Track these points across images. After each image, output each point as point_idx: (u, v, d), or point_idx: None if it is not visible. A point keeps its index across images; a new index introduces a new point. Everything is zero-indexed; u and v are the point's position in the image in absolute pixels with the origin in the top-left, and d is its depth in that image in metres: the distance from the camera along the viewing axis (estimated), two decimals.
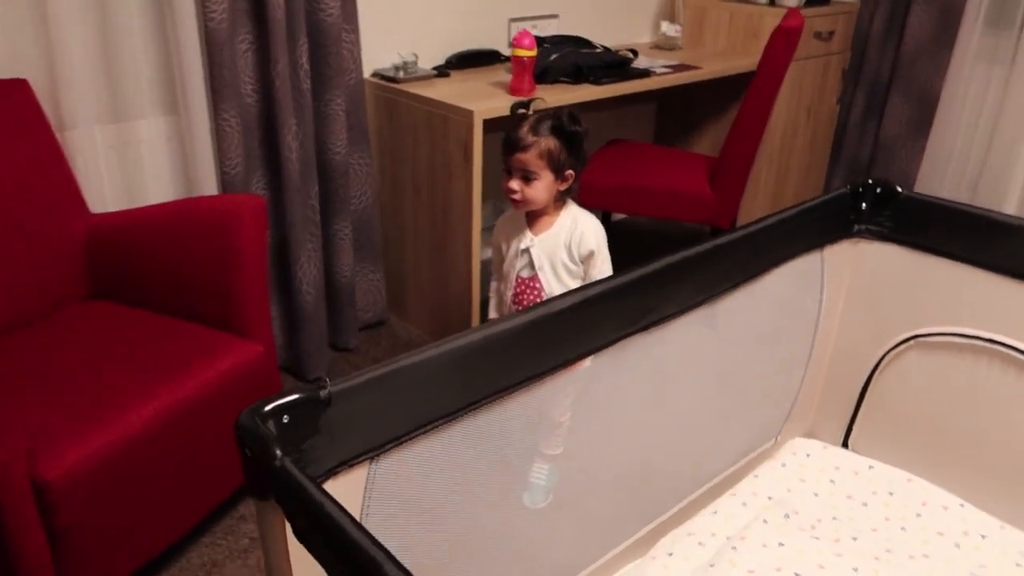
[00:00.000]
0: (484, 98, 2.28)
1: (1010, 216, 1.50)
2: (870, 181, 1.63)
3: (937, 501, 1.52)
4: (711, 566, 1.32)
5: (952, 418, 1.60)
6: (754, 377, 1.60)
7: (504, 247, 1.70)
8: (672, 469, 1.49)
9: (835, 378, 1.76)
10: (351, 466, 0.93)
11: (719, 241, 1.35)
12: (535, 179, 1.56)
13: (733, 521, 1.49)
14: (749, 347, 1.54)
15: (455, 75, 2.56)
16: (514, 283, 1.67)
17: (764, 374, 1.62)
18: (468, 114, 2.18)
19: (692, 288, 1.33)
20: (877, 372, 1.70)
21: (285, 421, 0.85)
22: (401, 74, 2.44)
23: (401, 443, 0.97)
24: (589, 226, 1.62)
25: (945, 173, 3.41)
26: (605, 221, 2.73)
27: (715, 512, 1.52)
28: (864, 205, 1.64)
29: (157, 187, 2.04)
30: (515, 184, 1.57)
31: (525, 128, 1.54)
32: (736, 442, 1.65)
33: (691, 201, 2.57)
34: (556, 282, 1.65)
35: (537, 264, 1.64)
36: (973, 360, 1.56)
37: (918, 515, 1.50)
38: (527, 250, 1.64)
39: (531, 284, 1.66)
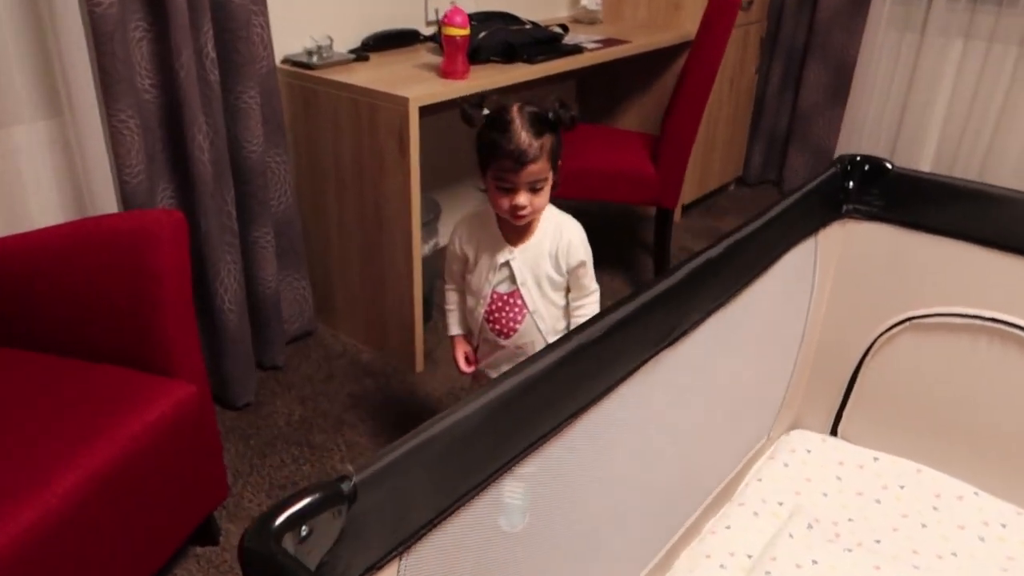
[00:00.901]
0: (415, 83, 2.07)
1: (1004, 188, 1.44)
2: (858, 158, 1.53)
3: (950, 492, 1.47)
4: None
5: (951, 401, 1.54)
6: (751, 376, 1.49)
7: (471, 256, 1.50)
8: (678, 486, 1.36)
9: (823, 365, 1.68)
10: (380, 568, 0.73)
11: (732, 240, 1.21)
12: (543, 187, 1.36)
13: (749, 535, 1.38)
14: (749, 347, 1.43)
15: (375, 58, 2.32)
16: (489, 299, 1.48)
17: (760, 371, 1.52)
18: (402, 102, 1.96)
19: (711, 294, 1.19)
20: (868, 357, 1.63)
21: (304, 534, 0.64)
22: (315, 59, 2.19)
23: (433, 526, 0.78)
24: (575, 233, 1.45)
25: (862, 139, 3.45)
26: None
27: (728, 527, 1.40)
28: (852, 184, 1.55)
29: (42, 205, 1.72)
30: (524, 199, 1.35)
31: (523, 135, 1.30)
32: (735, 445, 1.54)
33: (636, 182, 2.44)
34: (540, 297, 1.47)
35: (519, 279, 1.45)
36: (971, 340, 1.50)
37: (935, 508, 1.44)
38: (507, 263, 1.45)
39: (511, 301, 1.47)
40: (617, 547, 1.23)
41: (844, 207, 1.56)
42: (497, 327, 1.49)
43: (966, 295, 1.49)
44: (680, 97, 2.37)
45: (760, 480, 1.52)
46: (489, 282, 1.46)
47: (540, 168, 1.33)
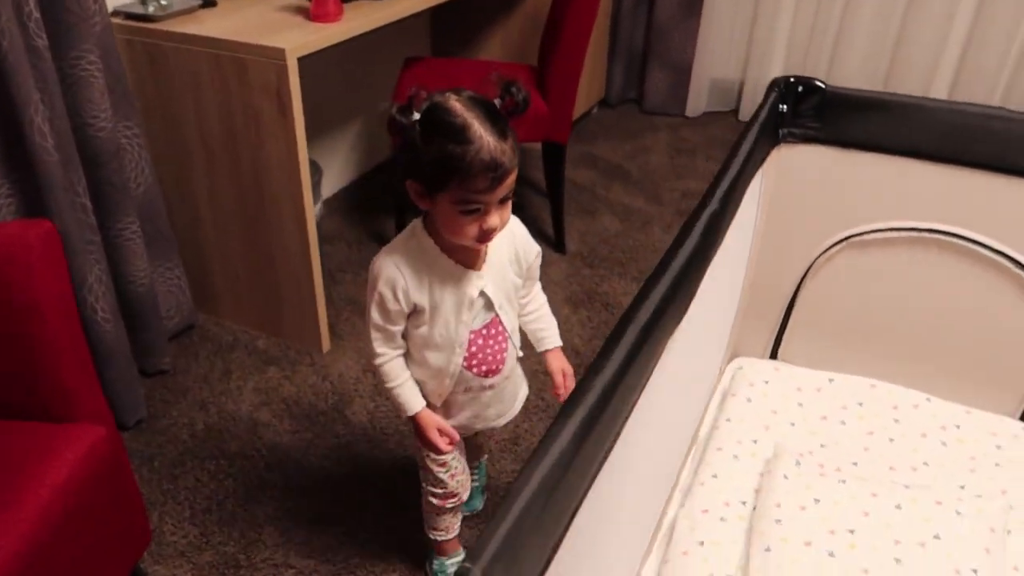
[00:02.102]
0: (283, 30, 1.80)
1: (934, 100, 1.46)
2: (792, 79, 1.49)
3: (905, 402, 1.52)
4: (767, 550, 1.18)
5: (891, 314, 1.59)
6: (713, 317, 1.45)
7: (426, 305, 1.15)
8: (664, 440, 1.31)
9: (762, 292, 1.68)
10: None
11: (724, 188, 1.13)
12: (511, 196, 1.07)
13: (737, 481, 1.36)
14: (714, 291, 1.38)
15: (223, 3, 2.00)
16: (466, 343, 1.20)
17: (717, 310, 1.48)
18: (277, 54, 1.70)
19: (710, 245, 1.11)
20: (806, 279, 1.64)
21: None
22: (152, 8, 1.85)
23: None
24: (520, 225, 1.23)
25: (716, 51, 3.49)
26: None
27: (715, 476, 1.38)
28: (786, 107, 1.51)
29: None
30: (497, 219, 1.06)
31: (490, 140, 0.99)
32: (702, 388, 1.51)
33: (527, 118, 2.30)
34: (512, 314, 1.25)
35: (496, 304, 1.20)
36: (907, 252, 1.53)
37: (896, 421, 1.49)
38: (482, 293, 1.17)
39: (491, 332, 1.22)
40: (626, 518, 1.16)
41: (780, 132, 1.52)
42: (484, 368, 1.23)
43: (901, 209, 1.52)
44: (565, 24, 2.24)
45: (729, 420, 1.50)
46: (464, 323, 1.18)
47: (514, 176, 1.04)
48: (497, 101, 1.05)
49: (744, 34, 3.44)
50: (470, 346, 1.19)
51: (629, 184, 2.98)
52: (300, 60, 1.72)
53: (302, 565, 1.55)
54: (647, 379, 0.88)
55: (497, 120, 1.01)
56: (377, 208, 2.77)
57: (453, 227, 1.07)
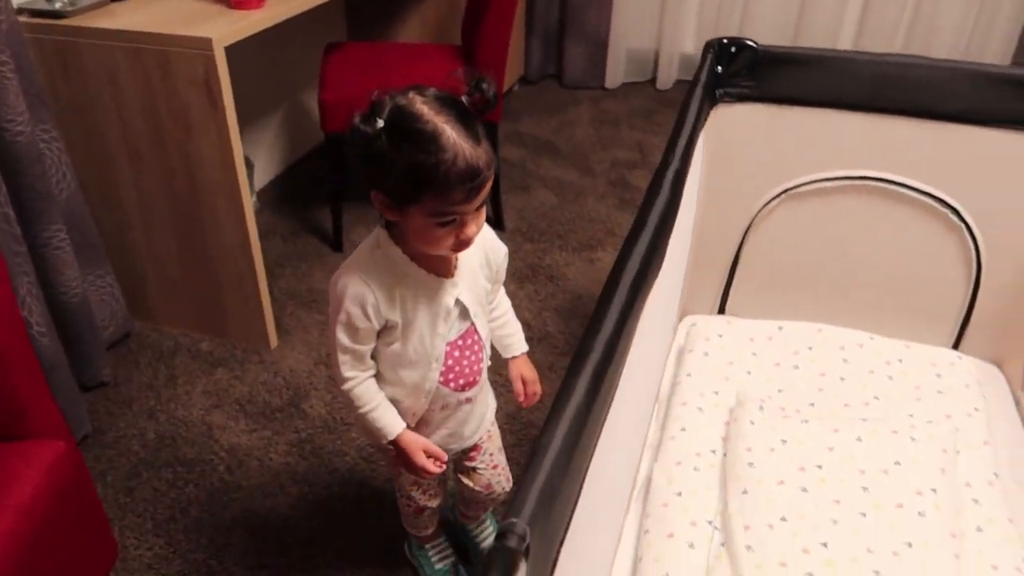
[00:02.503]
0: (205, 20, 1.73)
1: (859, 52, 1.52)
2: (725, 40, 1.54)
3: (851, 342, 1.60)
4: (744, 493, 1.22)
5: (829, 259, 1.66)
6: (670, 278, 1.49)
7: (399, 320, 1.07)
8: (637, 399, 1.34)
9: (707, 249, 1.73)
10: None
11: (682, 146, 1.16)
12: (486, 200, 1.00)
13: (705, 432, 1.41)
14: (674, 256, 1.41)
15: None
16: (443, 357, 1.12)
17: (673, 270, 1.52)
18: (203, 44, 1.64)
19: (676, 206, 1.14)
20: (749, 234, 1.70)
21: None
22: (59, 4, 1.76)
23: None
24: (488, 228, 1.13)
25: (631, 22, 3.54)
26: (335, 143, 2.33)
27: (683, 429, 1.42)
28: (721, 68, 1.55)
29: None
30: (474, 228, 0.99)
31: (465, 147, 0.91)
32: (663, 347, 1.55)
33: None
34: (485, 322, 1.18)
35: (472, 312, 1.13)
36: (841, 200, 1.61)
37: (844, 360, 1.56)
38: (458, 301, 1.10)
39: (467, 343, 1.14)
40: (612, 476, 1.19)
41: (717, 92, 1.56)
42: (461, 382, 1.15)
43: (833, 159, 1.59)
44: (490, 2, 2.23)
45: (690, 375, 1.55)
46: (441, 336, 1.10)
47: (491, 181, 0.96)
48: (465, 98, 0.96)
49: (656, 3, 3.50)
50: (446, 359, 1.12)
51: (558, 158, 3.01)
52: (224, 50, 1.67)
53: (277, 564, 1.52)
54: (633, 336, 0.90)
55: (469, 122, 0.93)
56: (309, 199, 2.71)
57: (427, 239, 0.99)
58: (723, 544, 1.19)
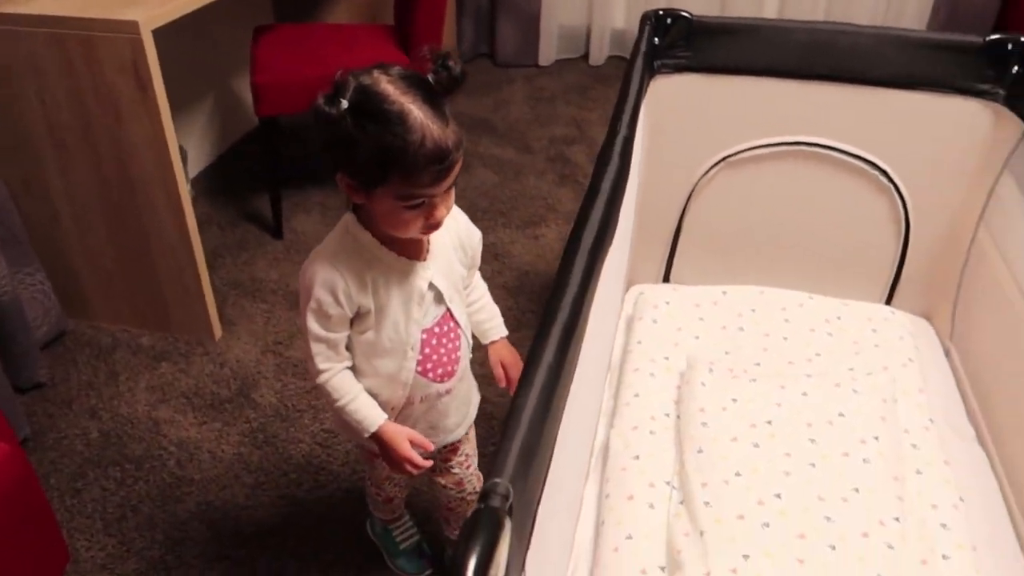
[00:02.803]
0: (130, 3, 1.67)
1: (790, 21, 1.57)
2: (661, 12, 1.56)
3: (791, 302, 1.65)
4: (700, 452, 1.26)
5: (767, 224, 1.71)
6: (621, 251, 1.51)
7: (371, 307, 1.04)
8: (593, 369, 1.37)
9: (650, 219, 1.76)
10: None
11: (628, 116, 1.18)
12: (455, 183, 0.98)
13: (658, 396, 1.44)
14: (622, 226, 1.44)
15: None
16: (418, 345, 1.09)
17: (623, 244, 1.55)
18: (129, 27, 1.58)
19: (625, 175, 1.16)
20: (690, 203, 1.74)
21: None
22: None
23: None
24: (460, 211, 1.12)
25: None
26: (270, 128, 2.28)
27: (637, 395, 1.45)
28: (658, 40, 1.58)
29: None
30: (444, 210, 0.97)
31: (433, 127, 0.89)
32: (614, 317, 1.58)
33: None
34: (463, 308, 1.16)
35: (447, 296, 1.10)
36: (776, 166, 1.66)
37: (786, 321, 1.62)
38: (431, 286, 1.07)
39: (444, 330, 1.11)
40: (573, 443, 1.21)
41: (655, 63, 1.59)
42: (439, 371, 1.12)
43: (768, 126, 1.63)
44: None
45: (640, 342, 1.58)
46: (416, 322, 1.07)
47: (459, 162, 0.94)
48: (431, 76, 0.93)
49: None
50: (423, 347, 1.09)
51: (496, 136, 3.01)
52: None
53: (238, 555, 1.51)
54: (593, 302, 0.92)
55: (436, 102, 0.91)
56: (246, 187, 2.65)
57: (395, 222, 0.97)
58: (682, 502, 1.22)
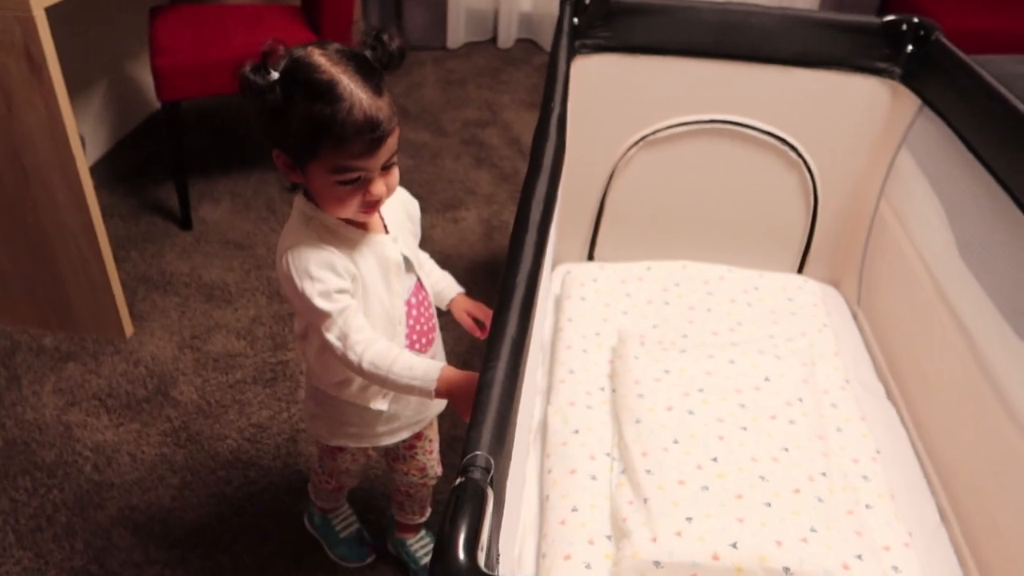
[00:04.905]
0: None
1: (704, 2, 1.61)
2: None
3: (713, 275, 1.71)
4: (638, 422, 1.29)
5: (686, 200, 1.77)
6: (552, 235, 1.53)
7: (360, 279, 1.00)
8: (534, 352, 1.39)
9: (573, 200, 1.78)
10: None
11: (561, 95, 1.18)
12: (395, 160, 0.95)
13: (592, 371, 1.47)
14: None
15: None
16: (404, 317, 1.08)
17: (552, 225, 1.56)
18: (19, 5, 1.48)
19: (560, 162, 1.16)
20: (611, 183, 1.77)
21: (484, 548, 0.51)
22: None
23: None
24: (404, 192, 1.12)
25: None
26: (173, 114, 2.18)
27: (572, 371, 1.48)
28: (577, 20, 1.59)
29: None
30: (383, 186, 0.94)
31: (364, 97, 0.87)
32: (545, 294, 1.59)
33: None
34: (426, 275, 1.16)
35: (416, 265, 1.10)
36: (694, 143, 1.71)
37: (709, 293, 1.67)
38: (401, 255, 1.05)
39: (420, 299, 1.11)
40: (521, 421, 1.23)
41: (575, 44, 1.61)
42: (423, 340, 1.13)
43: (684, 104, 1.68)
44: None
45: (571, 320, 1.60)
46: (397, 294, 1.05)
47: (395, 137, 0.93)
48: (368, 53, 0.92)
49: None
50: (408, 319, 1.08)
51: (410, 120, 2.97)
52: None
53: (168, 557, 1.45)
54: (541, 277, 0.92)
55: (370, 74, 0.89)
56: (148, 175, 2.52)
57: (331, 199, 0.93)
58: (623, 472, 1.25)
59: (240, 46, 2.17)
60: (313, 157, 0.90)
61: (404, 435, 1.21)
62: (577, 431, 1.34)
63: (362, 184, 0.93)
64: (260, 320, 1.97)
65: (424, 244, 1.17)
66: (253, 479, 1.59)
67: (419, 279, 1.12)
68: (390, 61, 0.93)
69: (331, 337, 0.98)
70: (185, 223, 2.30)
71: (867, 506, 1.24)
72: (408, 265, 1.08)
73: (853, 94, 1.62)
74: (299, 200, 1.00)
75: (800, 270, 1.83)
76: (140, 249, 2.21)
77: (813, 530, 1.12)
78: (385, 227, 1.06)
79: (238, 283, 2.09)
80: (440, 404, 1.23)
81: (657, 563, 1.08)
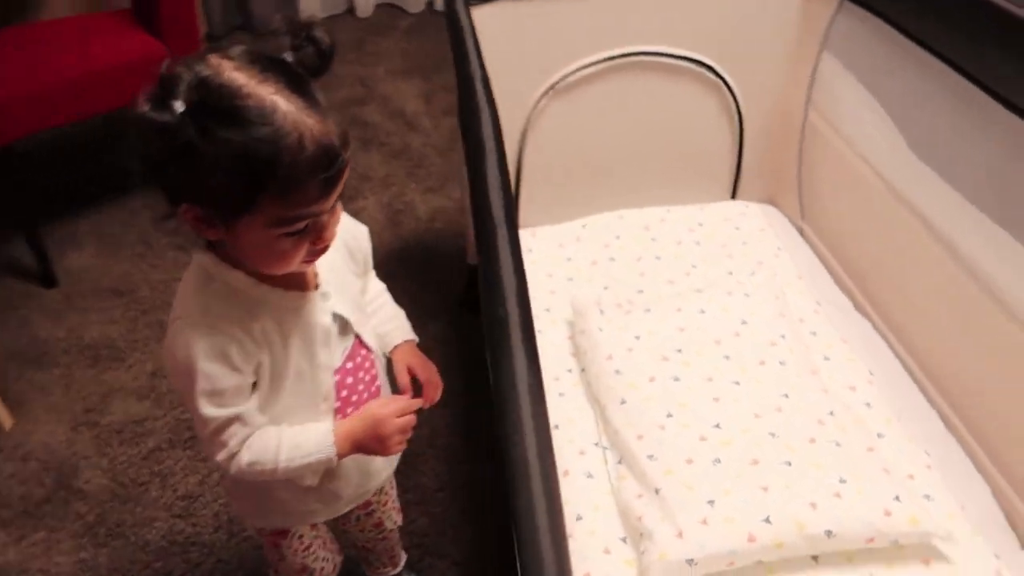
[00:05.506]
0: None
1: None
2: None
3: (652, 219, 1.59)
4: (623, 403, 1.15)
5: (609, 146, 1.63)
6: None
7: (265, 363, 0.80)
8: None
9: None
10: None
11: (477, 67, 1.00)
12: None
13: (555, 352, 1.33)
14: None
15: None
16: (333, 392, 0.87)
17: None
18: None
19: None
20: (526, 140, 1.60)
21: None
22: None
23: None
24: (343, 215, 0.83)
25: None
26: (8, 157, 1.87)
27: (539, 332, 1.31)
28: None
29: None
30: (334, 228, 0.76)
31: (316, 124, 0.68)
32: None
33: (149, 68, 1.93)
34: (369, 327, 0.93)
35: (354, 322, 0.88)
36: (606, 83, 1.56)
37: (653, 239, 1.55)
38: (336, 317, 0.85)
39: (358, 362, 0.90)
40: None
41: None
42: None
43: (591, 43, 1.52)
44: None
45: None
46: (324, 366, 0.85)
47: (349, 164, 0.73)
48: (289, 55, 0.72)
49: None
50: (338, 391, 0.87)
51: None
52: None
53: None
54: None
55: (304, 87, 0.70)
56: None
57: (268, 257, 0.73)
58: (620, 462, 1.12)
59: (75, 67, 1.86)
60: (246, 210, 0.69)
61: (350, 507, 1.01)
62: (557, 426, 1.20)
63: (310, 231, 0.73)
64: (160, 373, 1.72)
65: None
66: (197, 560, 1.37)
67: (358, 338, 0.90)
68: (321, 64, 0.73)
69: (217, 437, 0.79)
70: (48, 279, 1.99)
71: (879, 435, 1.15)
72: (344, 328, 0.87)
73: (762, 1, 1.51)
74: (200, 253, 0.78)
75: (734, 195, 1.73)
76: (2, 320, 1.89)
77: (843, 481, 1.01)
78: (315, 279, 0.84)
79: (125, 336, 1.82)
80: (389, 466, 1.03)
81: (690, 561, 0.95)
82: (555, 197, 1.65)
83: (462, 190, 1.86)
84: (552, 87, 1.54)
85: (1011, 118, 1.08)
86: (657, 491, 1.03)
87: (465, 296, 1.86)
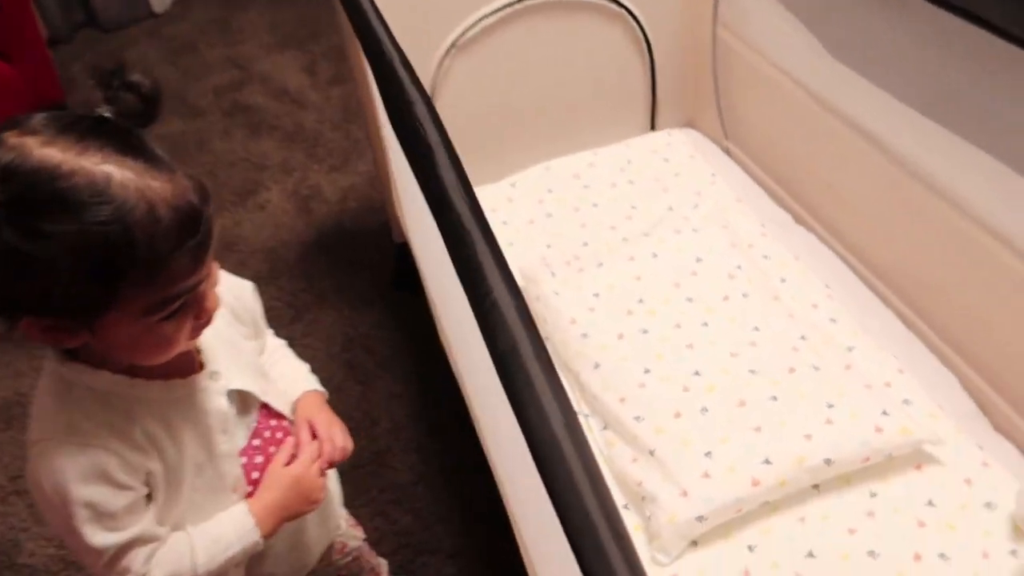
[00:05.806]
0: None
1: None
2: None
3: (581, 165, 1.53)
4: (597, 367, 1.11)
5: (523, 96, 1.55)
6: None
7: (157, 470, 0.70)
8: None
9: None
10: None
11: (389, 45, 0.90)
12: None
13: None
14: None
15: None
16: (242, 479, 0.77)
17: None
18: None
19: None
20: (435, 101, 1.50)
21: None
22: None
23: None
24: (221, 272, 0.74)
25: None
26: None
27: None
28: None
29: None
30: (215, 296, 0.68)
31: (165, 185, 0.59)
32: None
33: (7, 92, 1.72)
34: (273, 390, 0.83)
35: (257, 392, 0.78)
36: (508, 32, 1.47)
37: (586, 187, 1.49)
38: (229, 393, 0.75)
39: (266, 436, 0.80)
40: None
41: None
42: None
43: None
44: None
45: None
46: (226, 455, 0.75)
47: (214, 219, 0.65)
48: (105, 110, 0.63)
49: None
50: (248, 475, 0.77)
51: None
52: None
53: None
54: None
55: (136, 144, 0.60)
56: None
57: (149, 348, 0.65)
58: (605, 428, 1.08)
59: None
60: (109, 306, 0.60)
61: None
62: None
63: (190, 306, 0.64)
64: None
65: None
66: None
67: (266, 406, 0.80)
68: (148, 111, 0.65)
69: (116, 565, 0.68)
70: None
71: (849, 349, 1.15)
72: (245, 401, 0.78)
73: None
74: (53, 365, 0.67)
75: (653, 126, 1.68)
76: None
77: (830, 406, 1.01)
78: (199, 357, 0.73)
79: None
80: (332, 517, 0.94)
81: (700, 518, 0.93)
82: (476, 160, 1.54)
83: (375, 163, 1.75)
84: (454, 44, 1.45)
85: (929, 7, 1.06)
86: (652, 452, 1.00)
87: (396, 276, 1.77)
